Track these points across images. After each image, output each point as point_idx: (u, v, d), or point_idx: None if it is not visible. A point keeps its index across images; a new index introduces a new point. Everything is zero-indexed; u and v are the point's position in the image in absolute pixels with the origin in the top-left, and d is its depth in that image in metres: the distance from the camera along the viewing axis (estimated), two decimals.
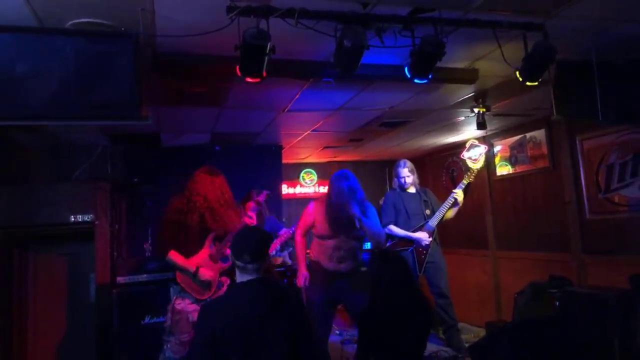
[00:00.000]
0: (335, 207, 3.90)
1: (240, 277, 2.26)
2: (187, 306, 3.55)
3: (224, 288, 3.73)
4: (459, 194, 4.68)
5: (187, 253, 3.65)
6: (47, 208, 4.56)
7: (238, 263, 2.24)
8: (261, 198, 4.24)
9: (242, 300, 2.18)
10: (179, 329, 3.50)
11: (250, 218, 3.92)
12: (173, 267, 3.65)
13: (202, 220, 3.67)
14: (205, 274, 3.61)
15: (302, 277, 4.00)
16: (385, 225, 4.72)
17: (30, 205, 4.52)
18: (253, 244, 2.28)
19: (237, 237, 2.38)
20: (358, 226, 3.85)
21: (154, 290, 4.42)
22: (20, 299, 4.75)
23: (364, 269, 4.46)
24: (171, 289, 3.68)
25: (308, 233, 4.19)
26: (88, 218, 4.69)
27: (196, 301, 3.57)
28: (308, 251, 4.24)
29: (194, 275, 3.57)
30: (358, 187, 3.97)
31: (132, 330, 4.37)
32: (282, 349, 2.10)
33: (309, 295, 4.07)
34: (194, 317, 3.45)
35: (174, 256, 3.60)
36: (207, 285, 3.63)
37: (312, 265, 4.06)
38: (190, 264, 3.59)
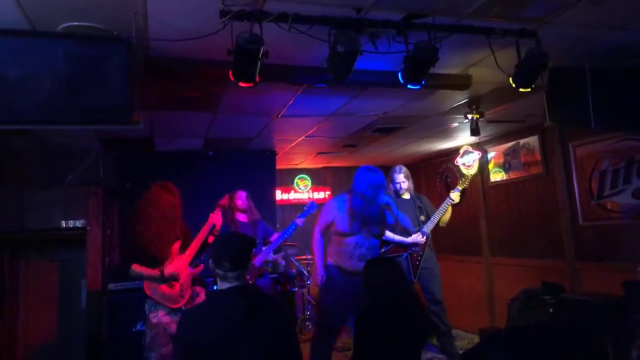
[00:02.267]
0: (364, 199, 3.70)
1: (220, 285, 2.21)
2: (162, 318, 3.47)
3: (199, 298, 3.65)
4: (455, 196, 4.68)
5: (151, 263, 3.54)
6: (39, 213, 4.53)
7: (218, 271, 2.18)
8: (223, 202, 4.23)
9: (220, 308, 2.13)
10: (157, 342, 3.41)
11: (214, 217, 3.88)
12: (139, 279, 3.56)
13: (142, 237, 3.55)
14: (170, 268, 3.53)
15: (320, 276, 3.84)
16: None
17: (22, 210, 4.49)
18: (233, 251, 2.21)
19: (216, 244, 2.33)
20: (391, 219, 3.73)
21: (145, 297, 4.38)
22: (11, 304, 4.70)
23: None
24: (145, 305, 3.55)
25: (327, 231, 4.00)
26: (80, 224, 4.66)
27: (170, 311, 3.50)
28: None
29: (161, 277, 3.49)
30: (385, 184, 3.87)
31: (123, 337, 4.34)
32: (260, 358, 2.05)
33: (323, 300, 3.93)
34: (172, 328, 3.38)
35: (137, 268, 3.50)
36: (175, 279, 3.55)
37: (329, 270, 3.89)
38: (154, 271, 3.52)
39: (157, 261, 3.55)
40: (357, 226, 3.77)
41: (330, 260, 3.91)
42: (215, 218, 3.91)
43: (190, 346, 2.02)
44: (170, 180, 3.79)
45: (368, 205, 3.71)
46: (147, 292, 3.51)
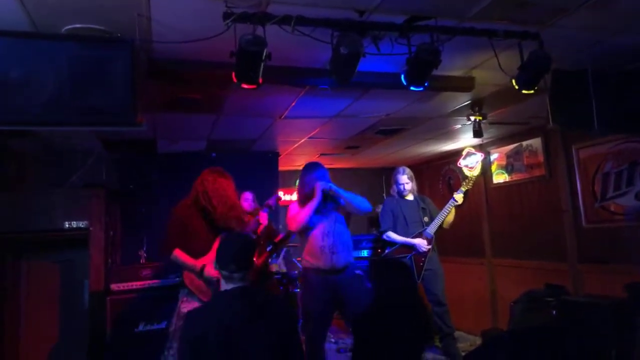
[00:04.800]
0: (309, 192, 3.84)
1: (225, 286, 2.24)
2: None
3: None
4: (459, 197, 4.67)
5: (194, 254, 3.51)
6: (41, 214, 4.53)
7: (223, 272, 2.22)
8: (271, 202, 4.25)
9: (225, 308, 2.15)
10: None
11: (260, 217, 3.95)
12: (178, 266, 3.51)
13: (204, 217, 3.52)
14: (211, 272, 3.52)
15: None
16: (383, 232, 4.71)
17: (24, 211, 4.49)
18: (238, 252, 2.25)
19: (221, 246, 2.35)
20: (342, 201, 3.80)
21: (148, 297, 4.39)
22: (13, 306, 4.70)
23: (358, 271, 4.43)
24: (180, 294, 3.52)
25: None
26: (82, 225, 4.65)
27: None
28: (299, 259, 4.18)
29: (200, 272, 3.46)
30: (327, 176, 3.94)
31: (126, 338, 4.34)
32: (265, 358, 2.07)
33: (305, 305, 3.96)
34: None
35: (179, 254, 3.45)
36: (210, 283, 3.55)
37: (306, 274, 3.95)
38: (196, 262, 3.52)
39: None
40: (316, 217, 3.83)
41: (306, 264, 3.91)
42: (263, 217, 3.98)
43: (196, 346, 2.04)
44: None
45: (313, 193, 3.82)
46: (186, 281, 3.48)
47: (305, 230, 3.89)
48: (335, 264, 3.78)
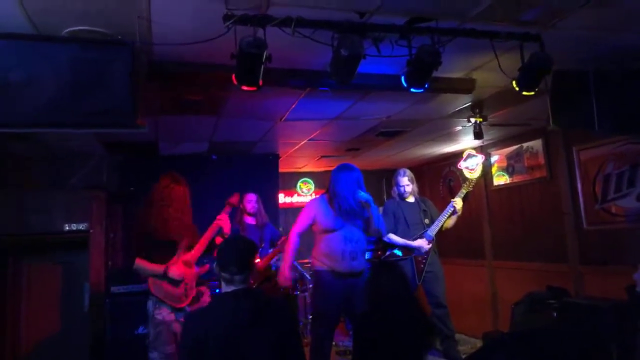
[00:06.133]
0: (342, 194, 3.71)
1: (226, 288, 2.24)
2: (166, 316, 3.42)
3: (204, 298, 3.63)
4: (458, 202, 4.67)
5: (158, 261, 3.49)
6: (42, 216, 4.55)
7: (224, 275, 2.22)
8: (233, 200, 4.12)
9: (226, 310, 2.15)
10: (161, 340, 3.37)
11: (221, 220, 3.77)
12: (143, 275, 3.48)
13: (159, 224, 3.47)
14: (175, 271, 3.48)
15: (283, 277, 3.76)
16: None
17: (25, 213, 4.50)
18: (239, 255, 2.25)
19: (222, 248, 2.35)
20: (367, 214, 3.71)
21: (149, 295, 4.37)
22: (14, 307, 4.71)
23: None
24: (149, 303, 3.49)
25: (304, 233, 3.91)
26: (83, 227, 4.67)
27: (173, 310, 3.46)
28: (308, 260, 4.12)
29: (164, 275, 3.44)
30: (362, 180, 3.82)
31: (126, 340, 4.33)
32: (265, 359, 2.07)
33: (317, 306, 3.91)
34: (175, 328, 3.37)
35: (141, 262, 3.42)
36: (178, 283, 3.53)
37: (319, 275, 3.82)
38: (158, 267, 3.45)
39: (174, 247, 3.53)
40: (341, 221, 3.74)
41: (321, 265, 3.79)
42: (224, 218, 3.82)
43: (197, 348, 2.03)
44: None
45: (348, 200, 3.71)
46: (152, 289, 3.45)
47: (325, 231, 3.79)
48: (355, 268, 3.75)
